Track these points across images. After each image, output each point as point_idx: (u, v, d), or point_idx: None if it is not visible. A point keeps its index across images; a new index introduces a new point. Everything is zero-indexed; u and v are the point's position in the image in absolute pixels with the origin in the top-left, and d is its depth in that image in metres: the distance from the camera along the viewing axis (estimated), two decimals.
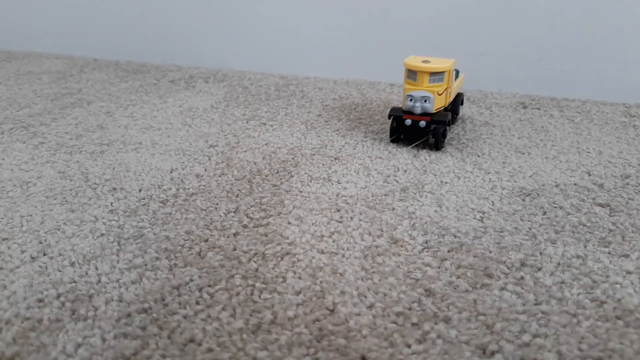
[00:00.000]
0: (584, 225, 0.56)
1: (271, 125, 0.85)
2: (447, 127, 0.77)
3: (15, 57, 1.34)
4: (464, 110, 0.94)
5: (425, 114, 0.74)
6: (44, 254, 0.50)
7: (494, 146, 0.78)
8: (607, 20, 1.01)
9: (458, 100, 0.85)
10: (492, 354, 0.39)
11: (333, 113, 0.92)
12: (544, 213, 0.58)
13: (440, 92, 0.73)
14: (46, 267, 0.48)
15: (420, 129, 0.74)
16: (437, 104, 0.74)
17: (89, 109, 0.93)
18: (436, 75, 0.73)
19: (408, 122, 0.74)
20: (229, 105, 0.96)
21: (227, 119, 0.88)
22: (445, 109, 0.78)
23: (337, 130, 0.84)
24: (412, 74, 0.75)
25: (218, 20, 1.25)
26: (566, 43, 1.04)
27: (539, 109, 0.97)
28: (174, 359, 0.38)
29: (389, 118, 0.77)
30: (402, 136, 0.77)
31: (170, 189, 0.63)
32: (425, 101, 0.73)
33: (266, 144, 0.78)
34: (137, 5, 1.30)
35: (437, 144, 0.75)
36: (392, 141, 0.78)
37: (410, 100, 0.73)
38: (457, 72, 0.84)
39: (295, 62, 1.21)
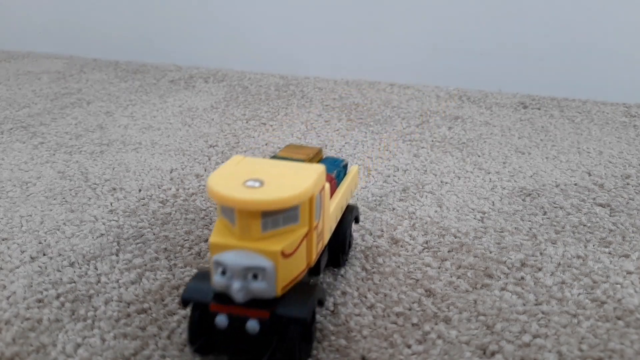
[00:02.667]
0: (584, 226, 0.56)
1: (271, 125, 0.85)
2: (314, 322, 0.38)
3: (15, 57, 1.34)
4: (463, 110, 0.94)
5: (257, 304, 0.35)
6: (44, 254, 0.50)
7: (494, 146, 0.78)
8: (607, 20, 1.01)
9: (346, 224, 0.47)
10: (493, 354, 0.39)
11: (333, 113, 0.92)
12: (544, 213, 0.58)
13: (289, 251, 0.35)
14: (46, 267, 0.48)
15: (250, 336, 0.35)
16: (284, 275, 0.36)
17: (89, 109, 0.93)
18: (279, 214, 0.35)
19: (221, 321, 0.36)
20: (229, 105, 0.96)
21: (227, 119, 0.88)
22: (312, 270, 0.41)
23: (337, 130, 0.84)
24: (227, 211, 0.36)
25: (218, 20, 1.25)
26: (566, 43, 1.04)
27: (539, 109, 0.96)
28: (174, 359, 0.38)
29: (184, 305, 0.37)
30: (213, 341, 0.37)
31: (170, 189, 0.63)
32: (256, 276, 0.35)
33: (266, 144, 0.77)
34: (137, 5, 1.30)
35: None
36: (197, 351, 0.38)
37: (222, 273, 0.35)
38: (344, 168, 0.48)
39: (295, 62, 1.21)
